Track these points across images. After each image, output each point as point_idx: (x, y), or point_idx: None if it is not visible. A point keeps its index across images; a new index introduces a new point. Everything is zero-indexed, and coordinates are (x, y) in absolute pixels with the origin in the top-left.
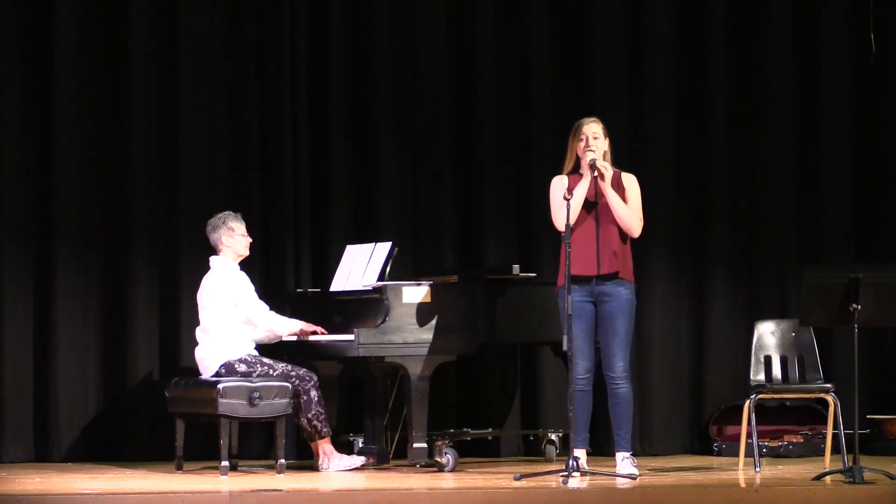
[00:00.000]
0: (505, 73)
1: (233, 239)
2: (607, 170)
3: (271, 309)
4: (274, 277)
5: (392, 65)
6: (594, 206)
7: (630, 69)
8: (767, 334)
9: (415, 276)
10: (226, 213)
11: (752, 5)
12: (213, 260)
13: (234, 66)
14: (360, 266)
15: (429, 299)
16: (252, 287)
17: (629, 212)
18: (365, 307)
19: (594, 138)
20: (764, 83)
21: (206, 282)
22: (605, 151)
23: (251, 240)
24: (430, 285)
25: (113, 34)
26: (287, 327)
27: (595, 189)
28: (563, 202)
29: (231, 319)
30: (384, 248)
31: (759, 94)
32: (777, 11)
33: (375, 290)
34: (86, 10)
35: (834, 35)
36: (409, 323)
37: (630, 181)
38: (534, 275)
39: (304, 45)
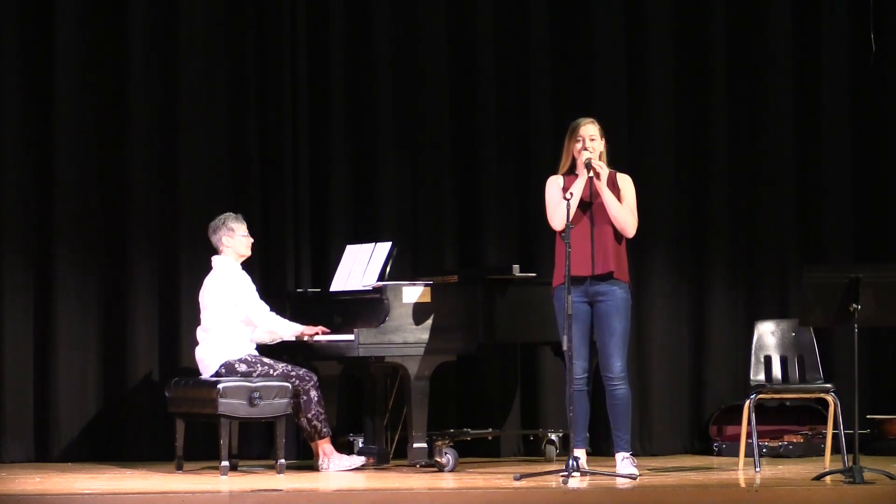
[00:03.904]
0: (505, 72)
1: (233, 239)
2: (603, 169)
3: (272, 309)
4: (274, 277)
5: (392, 64)
6: (589, 206)
7: (630, 69)
8: (767, 334)
9: (415, 276)
10: (226, 214)
11: (752, 5)
12: (214, 260)
13: (234, 66)
14: (360, 266)
15: (428, 299)
16: (253, 287)
17: (624, 212)
18: (365, 307)
19: (591, 140)
20: (764, 83)
21: (208, 281)
22: (601, 152)
23: (252, 240)
24: (430, 285)
25: (113, 34)
26: (288, 330)
27: (590, 189)
28: (562, 201)
29: (231, 319)
30: (384, 248)
31: (759, 94)
32: (777, 11)
33: (375, 290)
34: (86, 11)
35: (834, 35)
36: (408, 323)
37: (625, 182)
38: (534, 275)
39: (304, 45)
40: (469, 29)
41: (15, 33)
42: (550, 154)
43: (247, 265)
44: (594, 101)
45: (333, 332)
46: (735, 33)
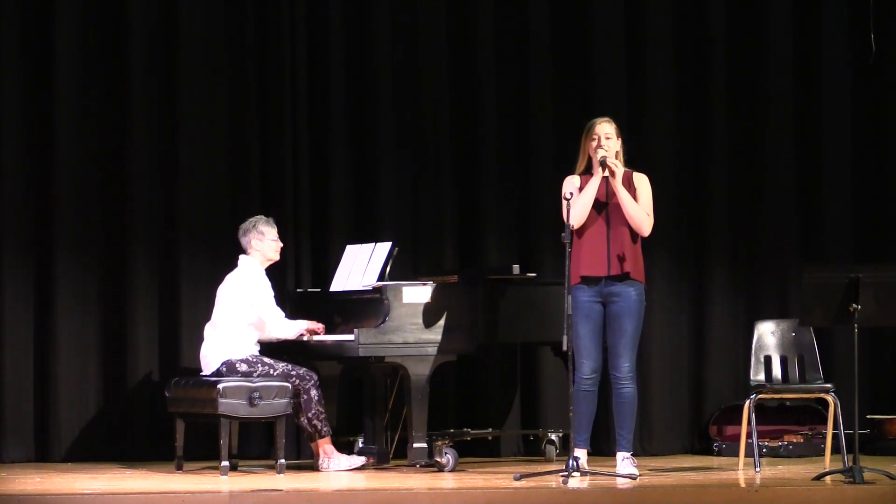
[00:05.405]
0: (505, 72)
1: (262, 243)
2: (618, 167)
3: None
4: (274, 277)
5: (392, 65)
6: (605, 206)
7: (630, 69)
8: (767, 334)
9: (415, 276)
10: (258, 217)
11: (752, 5)
12: (241, 258)
13: (234, 67)
14: (360, 266)
15: (429, 299)
16: (272, 293)
17: (640, 210)
18: (365, 307)
19: (606, 138)
20: (764, 83)
21: (229, 278)
22: (617, 151)
23: (282, 244)
24: (431, 285)
25: (113, 35)
26: (295, 330)
27: (606, 189)
28: (565, 201)
29: (242, 319)
30: (384, 248)
31: (760, 94)
32: (777, 12)
33: (375, 290)
34: (86, 11)
35: (834, 35)
36: (409, 323)
37: (641, 181)
38: (534, 275)
39: (304, 45)
40: (469, 29)
41: (15, 34)
42: (550, 154)
43: None
44: (594, 102)
45: (333, 332)
46: (735, 34)
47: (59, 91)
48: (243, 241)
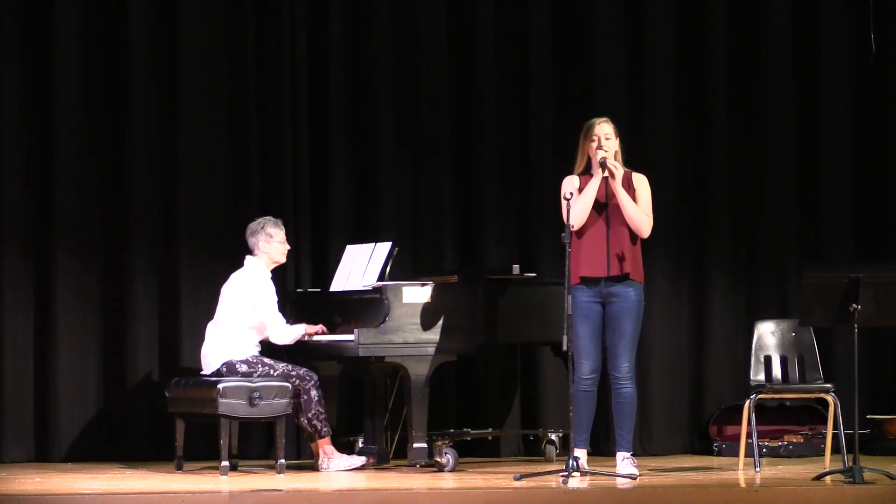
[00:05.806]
0: (505, 72)
1: (270, 245)
2: (618, 169)
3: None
4: (274, 277)
5: (392, 64)
6: (604, 207)
7: (630, 70)
8: (767, 334)
9: (415, 276)
10: (266, 218)
11: (752, 5)
12: (247, 259)
13: (234, 68)
14: (360, 266)
15: (429, 299)
16: (276, 298)
17: (639, 211)
18: (365, 307)
19: (606, 139)
20: (764, 83)
21: (234, 277)
22: (616, 151)
23: (289, 247)
24: (431, 285)
25: (113, 36)
26: (295, 336)
27: (606, 190)
28: (565, 201)
29: (243, 321)
30: (384, 248)
31: (760, 94)
32: (777, 12)
33: (375, 290)
34: (86, 11)
35: (834, 35)
36: (409, 323)
37: (640, 181)
38: (534, 275)
39: (304, 46)
40: (469, 29)
41: (15, 36)
42: (550, 154)
43: None
44: (594, 102)
45: (333, 332)
46: (735, 34)
47: (59, 91)
48: (250, 241)
